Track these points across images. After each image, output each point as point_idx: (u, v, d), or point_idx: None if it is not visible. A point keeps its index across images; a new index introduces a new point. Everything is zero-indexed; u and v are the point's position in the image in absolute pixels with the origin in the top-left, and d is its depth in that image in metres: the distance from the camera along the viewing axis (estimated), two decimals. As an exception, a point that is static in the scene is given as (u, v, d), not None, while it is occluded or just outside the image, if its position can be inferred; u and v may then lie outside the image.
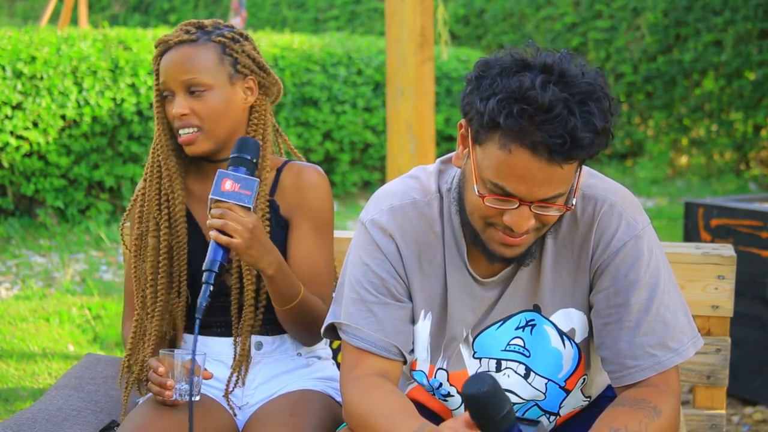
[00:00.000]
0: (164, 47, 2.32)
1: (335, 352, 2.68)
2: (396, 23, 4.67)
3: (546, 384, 2.05)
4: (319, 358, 2.45)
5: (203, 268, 2.12)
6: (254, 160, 2.19)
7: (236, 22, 10.75)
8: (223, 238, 2.11)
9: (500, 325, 2.03)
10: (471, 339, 2.04)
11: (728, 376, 2.61)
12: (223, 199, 2.12)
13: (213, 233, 2.11)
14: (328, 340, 2.50)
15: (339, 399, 2.37)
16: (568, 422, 2.17)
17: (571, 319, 2.01)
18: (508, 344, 2.03)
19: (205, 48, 2.31)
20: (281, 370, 2.39)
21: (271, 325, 2.37)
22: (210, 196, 2.13)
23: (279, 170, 2.37)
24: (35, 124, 7.00)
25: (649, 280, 1.94)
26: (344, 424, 2.13)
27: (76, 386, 2.56)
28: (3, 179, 7.05)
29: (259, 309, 2.34)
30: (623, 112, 10.13)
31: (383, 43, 8.75)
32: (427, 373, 2.09)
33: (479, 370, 2.05)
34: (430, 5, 4.71)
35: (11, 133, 6.89)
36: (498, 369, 2.05)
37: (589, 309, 2.01)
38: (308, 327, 2.31)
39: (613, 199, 1.97)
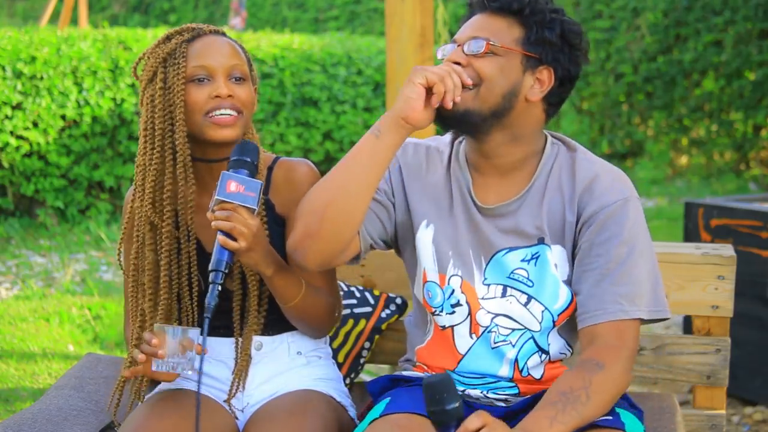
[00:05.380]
0: (194, 34, 2.29)
1: (335, 352, 2.68)
2: (396, 23, 4.67)
3: (542, 312, 2.18)
4: (320, 357, 2.45)
5: (210, 268, 2.12)
6: (254, 163, 2.19)
7: (236, 22, 10.76)
8: (230, 243, 2.11)
9: (506, 253, 2.19)
10: (484, 265, 2.21)
11: (728, 376, 2.61)
12: (228, 200, 2.12)
13: (221, 237, 2.11)
14: (328, 339, 2.51)
15: (340, 400, 2.38)
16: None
17: (557, 254, 2.19)
18: (513, 272, 2.19)
19: (236, 44, 2.34)
20: (281, 370, 2.39)
21: (271, 326, 2.37)
22: (216, 197, 2.12)
23: (270, 169, 2.37)
24: (35, 124, 7.00)
25: (629, 238, 2.13)
26: (371, 417, 2.16)
27: (76, 386, 2.56)
28: (3, 179, 7.06)
29: (261, 312, 2.34)
30: (623, 113, 10.14)
31: (383, 43, 8.75)
32: (438, 282, 2.24)
33: (487, 296, 2.20)
34: (430, 5, 4.70)
35: (11, 133, 6.90)
36: (503, 294, 2.20)
37: (572, 251, 2.18)
38: (315, 320, 2.32)
39: (609, 169, 2.21)
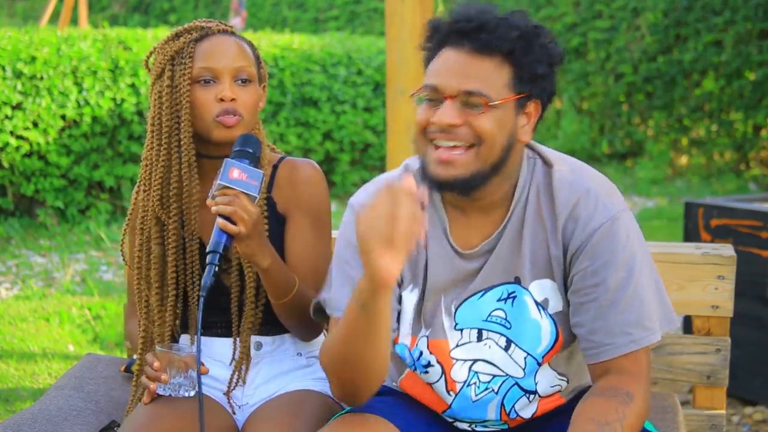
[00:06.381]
0: (202, 33, 2.29)
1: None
2: (396, 23, 4.67)
3: (525, 358, 2.07)
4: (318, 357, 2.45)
5: (208, 249, 2.13)
6: (256, 155, 2.21)
7: (236, 22, 10.75)
8: (230, 226, 2.11)
9: (482, 295, 2.06)
10: (453, 310, 2.08)
11: (728, 376, 2.61)
12: (231, 186, 2.12)
13: (220, 221, 2.11)
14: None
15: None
16: (551, 422, 2.17)
17: (544, 289, 2.05)
18: (490, 315, 2.06)
19: (244, 43, 2.34)
20: (281, 370, 2.39)
21: (270, 326, 2.37)
22: (218, 182, 2.12)
23: (275, 167, 2.38)
24: (35, 124, 7.00)
25: (626, 260, 1.98)
26: (338, 414, 2.17)
27: (76, 386, 2.56)
28: (3, 179, 7.05)
29: (258, 307, 2.34)
30: (623, 113, 10.13)
31: (383, 43, 8.74)
32: (408, 345, 2.12)
33: (462, 342, 2.09)
34: (430, 5, 4.70)
35: (11, 133, 6.90)
36: (479, 338, 2.08)
37: (564, 283, 2.04)
38: (305, 321, 2.32)
39: (589, 184, 2.03)
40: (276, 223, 2.34)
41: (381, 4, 12.08)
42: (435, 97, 1.97)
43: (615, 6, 10.12)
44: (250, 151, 2.19)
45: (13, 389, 4.22)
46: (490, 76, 1.94)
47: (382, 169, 8.86)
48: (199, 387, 2.05)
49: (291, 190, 2.35)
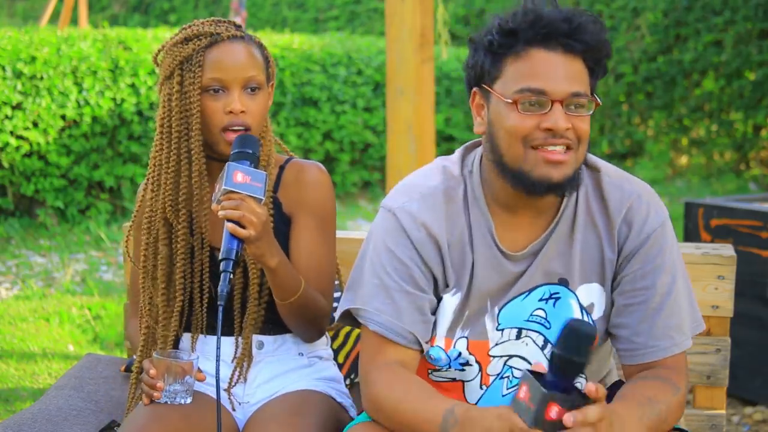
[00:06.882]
0: (212, 40, 2.28)
1: (335, 352, 2.68)
2: (396, 23, 4.67)
3: None
4: (321, 358, 2.45)
5: (220, 256, 2.13)
6: (256, 154, 2.20)
7: (236, 21, 10.75)
8: (240, 230, 2.12)
9: (526, 296, 2.07)
10: (497, 312, 2.07)
11: (728, 376, 2.61)
12: (237, 191, 2.12)
13: (230, 225, 2.11)
14: (329, 340, 2.51)
15: (340, 400, 2.38)
16: None
17: (591, 293, 2.07)
18: (531, 314, 2.06)
19: (254, 47, 2.33)
20: (282, 370, 2.39)
21: (272, 325, 2.37)
22: (223, 186, 2.12)
23: (282, 168, 2.38)
24: (35, 124, 7.00)
25: (672, 265, 2.04)
26: (350, 425, 2.14)
27: (76, 386, 2.56)
28: (3, 179, 7.05)
29: (261, 305, 2.34)
30: (623, 113, 10.13)
31: (383, 43, 8.75)
32: (444, 347, 2.09)
33: (501, 341, 2.08)
34: (430, 5, 4.71)
35: (11, 133, 6.89)
36: (518, 337, 2.07)
37: (610, 285, 2.06)
38: (309, 322, 2.32)
39: (639, 190, 2.07)
40: (281, 224, 2.35)
41: (381, 4, 12.08)
42: (540, 101, 1.93)
43: (615, 6, 10.12)
44: (250, 151, 2.19)
45: (13, 389, 4.22)
46: (584, 77, 1.95)
47: (382, 169, 8.86)
48: (218, 392, 2.06)
49: (297, 192, 2.36)
